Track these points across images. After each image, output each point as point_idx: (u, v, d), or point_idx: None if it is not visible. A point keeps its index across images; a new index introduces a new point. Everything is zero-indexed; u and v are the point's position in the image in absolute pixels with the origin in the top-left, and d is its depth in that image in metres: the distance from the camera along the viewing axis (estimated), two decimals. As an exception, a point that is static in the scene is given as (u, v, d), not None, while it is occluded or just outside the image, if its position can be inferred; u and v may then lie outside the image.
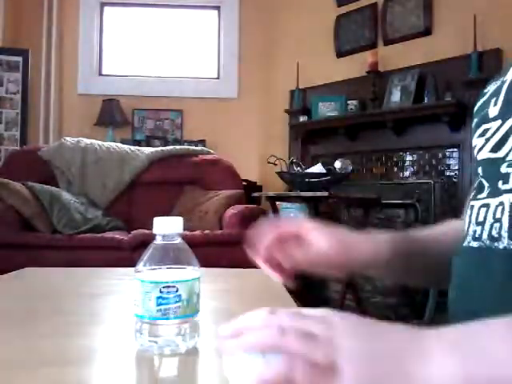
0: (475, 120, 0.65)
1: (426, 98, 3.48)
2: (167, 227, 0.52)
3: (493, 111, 0.59)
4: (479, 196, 0.59)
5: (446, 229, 0.74)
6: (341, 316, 0.39)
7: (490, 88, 0.66)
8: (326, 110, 4.13)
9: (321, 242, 0.61)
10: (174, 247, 0.52)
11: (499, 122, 0.57)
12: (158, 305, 0.49)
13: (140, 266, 0.52)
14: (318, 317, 0.38)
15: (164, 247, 0.52)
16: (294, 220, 0.64)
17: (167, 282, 0.50)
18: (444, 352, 0.36)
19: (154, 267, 0.51)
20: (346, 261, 0.63)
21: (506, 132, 0.55)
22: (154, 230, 0.52)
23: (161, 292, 0.50)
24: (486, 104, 0.63)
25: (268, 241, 0.62)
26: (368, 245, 0.64)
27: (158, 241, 0.53)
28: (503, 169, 0.54)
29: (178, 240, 0.53)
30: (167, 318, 0.50)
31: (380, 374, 0.35)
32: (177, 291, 0.50)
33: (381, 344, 0.37)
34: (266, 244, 0.62)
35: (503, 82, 0.59)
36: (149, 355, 0.50)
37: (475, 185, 0.62)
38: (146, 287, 0.50)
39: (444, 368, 0.35)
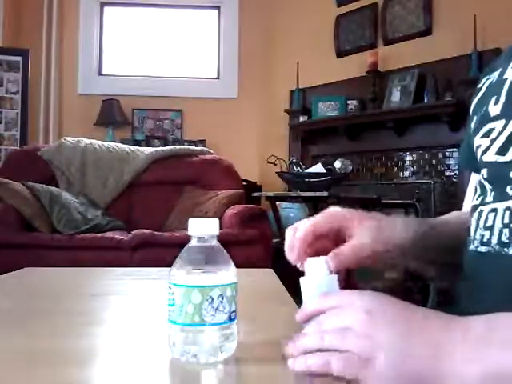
0: (475, 118, 0.64)
1: (425, 98, 3.48)
2: (203, 229, 0.50)
3: (494, 110, 0.58)
4: (486, 200, 0.58)
5: (454, 214, 0.73)
6: (380, 303, 0.42)
7: (485, 83, 0.65)
8: (326, 109, 4.13)
9: (363, 235, 0.57)
10: (211, 250, 0.50)
11: (503, 121, 0.56)
12: (201, 311, 0.47)
13: (177, 269, 0.49)
14: (359, 307, 0.42)
15: (200, 250, 0.50)
16: (327, 213, 0.59)
17: (210, 287, 0.47)
18: (471, 349, 0.38)
19: (192, 271, 0.48)
20: (387, 248, 0.59)
21: (511, 133, 0.54)
22: (189, 232, 0.50)
23: (204, 297, 0.47)
24: (485, 101, 0.61)
25: (302, 234, 0.56)
26: (391, 228, 0.61)
27: (194, 243, 0.50)
28: None
29: (215, 242, 0.50)
30: (210, 325, 0.47)
31: (412, 368, 0.39)
32: (219, 296, 0.47)
33: (415, 339, 0.40)
34: (301, 237, 0.56)
35: (504, 80, 0.58)
36: (179, 362, 0.50)
37: (477, 186, 0.61)
38: (187, 292, 0.47)
39: (469, 365, 0.37)
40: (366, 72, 3.84)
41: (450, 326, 0.40)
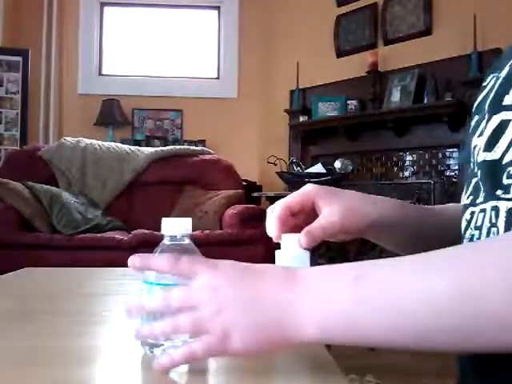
0: (476, 117, 0.64)
1: (425, 98, 3.48)
2: (176, 228, 0.51)
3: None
4: (477, 201, 0.58)
5: (452, 205, 0.73)
6: (220, 275, 0.44)
7: (491, 81, 0.65)
8: (326, 109, 4.13)
9: (332, 211, 0.60)
10: (182, 249, 0.51)
11: (486, 116, 0.56)
12: None
13: None
14: (201, 286, 0.44)
15: (172, 249, 0.51)
16: (301, 190, 0.62)
17: (176, 285, 0.48)
18: (306, 305, 0.41)
19: None
20: (356, 223, 0.61)
21: (495, 128, 0.54)
22: (163, 231, 0.51)
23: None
24: (485, 101, 0.62)
25: (278, 212, 0.60)
26: (374, 204, 0.63)
27: (166, 242, 0.51)
28: (505, 180, 0.52)
29: (187, 241, 0.52)
30: None
31: (264, 338, 0.42)
32: None
33: (262, 310, 0.42)
34: (276, 215, 0.60)
35: (498, 78, 0.58)
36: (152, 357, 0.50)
37: (471, 186, 0.61)
38: (153, 290, 0.49)
39: (307, 321, 0.41)
40: (366, 72, 3.84)
41: (290, 280, 0.43)
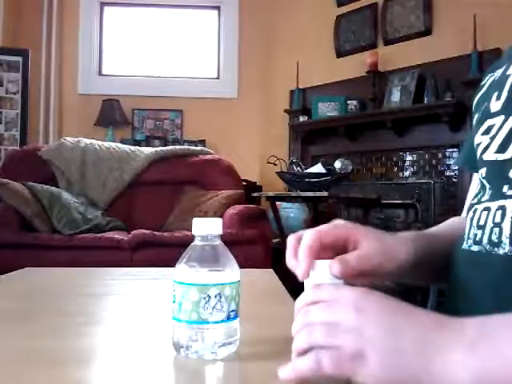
0: (476, 115, 0.63)
1: (425, 98, 3.48)
2: (207, 228, 0.51)
3: (495, 105, 0.57)
4: (482, 199, 0.57)
5: (454, 225, 0.71)
6: (370, 300, 0.42)
7: (488, 80, 0.65)
8: (326, 109, 4.13)
9: (371, 247, 0.55)
10: (213, 249, 0.51)
11: (502, 117, 0.55)
12: (198, 308, 0.48)
13: (179, 267, 0.50)
14: (348, 302, 0.42)
15: (203, 249, 0.50)
16: (333, 223, 0.56)
17: (207, 285, 0.48)
18: (463, 351, 0.37)
19: (193, 269, 0.49)
20: (385, 262, 0.56)
21: (511, 130, 0.54)
22: (193, 232, 0.51)
23: (201, 295, 0.48)
24: (487, 97, 0.61)
25: (309, 240, 0.52)
26: (401, 245, 0.59)
27: (198, 242, 0.51)
28: (511, 174, 0.52)
29: (218, 242, 0.51)
30: (206, 323, 0.48)
31: (402, 364, 0.38)
32: (217, 295, 0.48)
33: (406, 335, 0.39)
34: (307, 244, 0.52)
35: (507, 76, 0.57)
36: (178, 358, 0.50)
37: (478, 186, 0.61)
38: (186, 290, 0.48)
39: (461, 368, 0.37)
40: (366, 72, 3.84)
41: (441, 325, 0.40)
